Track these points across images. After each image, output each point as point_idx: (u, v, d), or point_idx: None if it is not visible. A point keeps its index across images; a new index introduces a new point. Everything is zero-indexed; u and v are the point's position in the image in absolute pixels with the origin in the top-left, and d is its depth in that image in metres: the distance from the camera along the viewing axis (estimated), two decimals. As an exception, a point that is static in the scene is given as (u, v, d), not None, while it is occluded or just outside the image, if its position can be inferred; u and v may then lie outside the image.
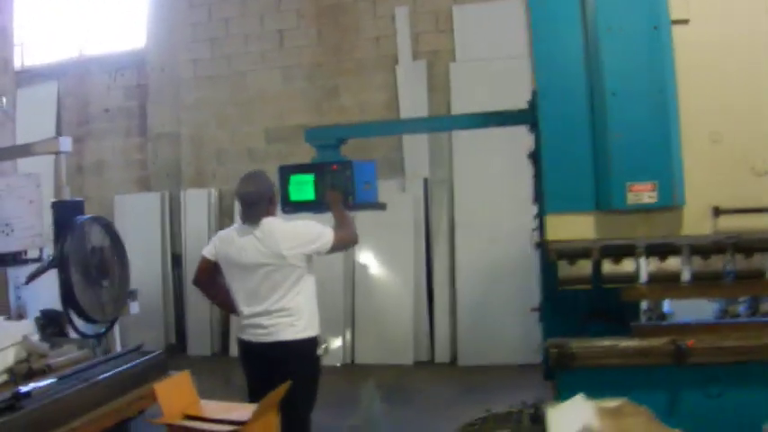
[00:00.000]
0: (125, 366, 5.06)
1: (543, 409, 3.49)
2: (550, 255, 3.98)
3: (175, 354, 9.77)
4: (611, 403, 3.10)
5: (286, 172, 5.17)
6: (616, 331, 4.57)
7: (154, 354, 5.44)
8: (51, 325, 6.00)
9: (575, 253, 3.94)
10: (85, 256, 5.89)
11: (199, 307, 9.84)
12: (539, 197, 4.93)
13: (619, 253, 3.93)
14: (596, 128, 3.86)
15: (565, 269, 3.99)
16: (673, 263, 3.92)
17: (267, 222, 4.70)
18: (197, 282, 5.03)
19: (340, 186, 5.02)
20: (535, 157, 5.00)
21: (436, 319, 9.06)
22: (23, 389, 4.22)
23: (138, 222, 10.02)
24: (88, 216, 6.22)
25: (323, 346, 4.78)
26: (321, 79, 9.99)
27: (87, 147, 10.70)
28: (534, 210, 5.40)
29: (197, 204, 10.17)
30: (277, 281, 4.63)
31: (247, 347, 4.79)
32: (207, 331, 9.94)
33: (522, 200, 8.66)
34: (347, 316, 9.07)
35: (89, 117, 11.04)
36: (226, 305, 5.03)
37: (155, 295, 9.88)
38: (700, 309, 5.46)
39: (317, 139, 5.31)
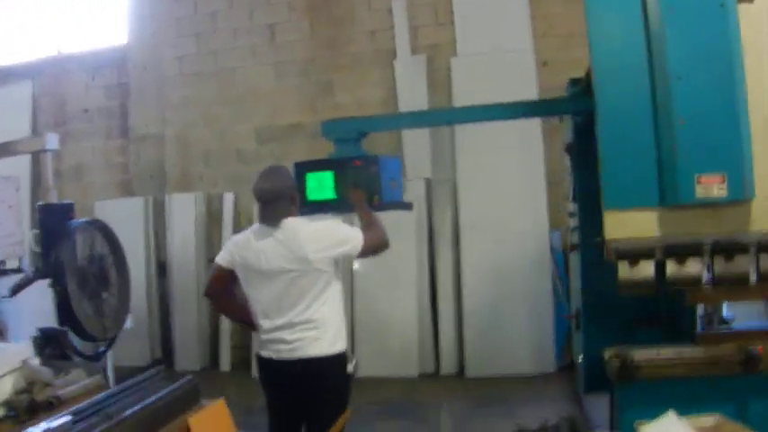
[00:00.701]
0: (153, 398, 3.95)
1: (578, 423, 3.26)
2: (609, 255, 3.72)
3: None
4: (707, 420, 2.83)
5: (302, 169, 4.87)
6: (666, 339, 4.37)
7: (184, 380, 4.39)
8: (50, 345, 5.40)
9: (637, 253, 3.69)
10: (82, 264, 5.48)
11: (186, 318, 9.56)
12: (580, 194, 4.70)
13: (684, 252, 3.67)
14: (659, 115, 3.64)
15: (625, 271, 3.72)
16: (740, 262, 3.67)
17: (289, 223, 4.29)
18: (210, 293, 4.61)
19: (364, 184, 4.74)
20: (572, 149, 4.78)
21: (441, 328, 8.78)
22: (34, 431, 3.37)
23: (120, 229, 9.32)
24: (84, 220, 5.87)
25: (353, 362, 4.41)
26: (315, 75, 9.72)
27: (65, 149, 10.17)
28: (570, 208, 5.19)
29: (183, 209, 9.84)
30: (302, 289, 4.21)
31: (268, 365, 4.37)
32: (195, 344, 9.59)
33: (530, 199, 8.54)
34: (347, 326, 8.71)
35: (66, 118, 10.68)
36: (243, 319, 4.62)
37: (139, 306, 9.44)
38: (747, 312, 5.27)
39: (336, 132, 5.02)
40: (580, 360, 4.88)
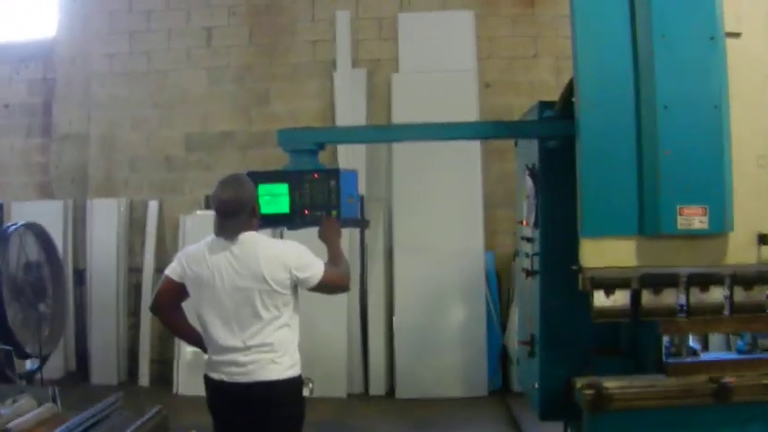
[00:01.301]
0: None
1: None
2: (585, 284, 3.73)
3: (76, 383, 9.10)
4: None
5: (254, 180, 4.56)
6: (625, 369, 4.41)
7: (153, 412, 4.22)
8: None
9: (614, 282, 3.71)
10: (17, 272, 5.16)
11: (104, 329, 9.27)
12: (544, 220, 4.71)
13: (661, 282, 3.71)
14: (643, 144, 3.67)
15: (601, 300, 3.74)
16: (715, 294, 3.75)
17: (247, 237, 4.09)
18: (156, 308, 4.34)
19: (322, 198, 4.61)
20: (537, 173, 4.79)
21: (371, 348, 8.74)
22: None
23: (37, 232, 9.32)
24: (19, 223, 5.53)
25: (309, 386, 4.25)
26: (251, 83, 9.59)
27: (-20, 146, 9.92)
28: (526, 232, 5.20)
29: (105, 215, 9.54)
30: (257, 309, 4.02)
31: (218, 388, 4.13)
32: (113, 357, 9.29)
33: (467, 220, 8.58)
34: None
35: (-15, 112, 10.26)
36: (191, 337, 4.41)
37: (54, 315, 9.19)
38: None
39: (293, 142, 4.85)
40: (534, 386, 4.87)
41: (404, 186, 8.74)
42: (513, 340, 8.10)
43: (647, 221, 3.66)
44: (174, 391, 8.71)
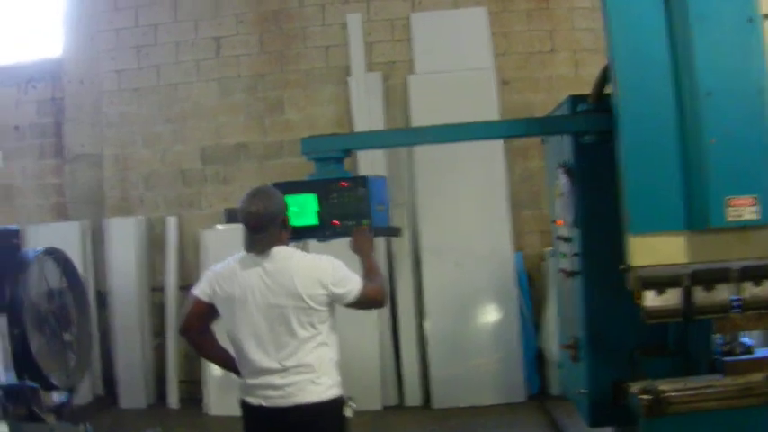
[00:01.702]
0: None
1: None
2: (634, 284, 3.61)
3: (104, 407, 9.04)
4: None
5: (280, 191, 4.52)
6: (675, 369, 4.30)
7: None
8: (16, 403, 4.88)
9: (663, 281, 3.59)
10: (39, 301, 5.03)
11: (130, 351, 9.16)
12: (584, 218, 4.60)
13: (712, 278, 3.59)
14: (687, 134, 3.55)
15: (650, 299, 3.61)
16: (769, 287, 3.62)
17: (279, 252, 3.98)
18: (185, 330, 4.21)
19: (351, 208, 4.52)
20: (573, 170, 4.68)
21: (404, 358, 8.62)
22: None
23: (54, 256, 9.24)
24: (39, 249, 5.39)
25: (351, 405, 4.07)
26: (263, 92, 9.48)
27: (-7, 169, 9.84)
28: (563, 232, 5.08)
29: (123, 234, 9.42)
30: (292, 327, 3.89)
31: (256, 414, 4.02)
32: (140, 379, 9.19)
33: (493, 221, 8.45)
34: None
35: (-6, 135, 10.20)
36: (222, 360, 4.29)
37: (77, 339, 9.11)
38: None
39: (317, 150, 4.76)
40: (582, 392, 4.75)
41: (427, 190, 8.61)
42: (549, 342, 8.03)
43: (695, 215, 3.55)
44: (205, 411, 8.61)
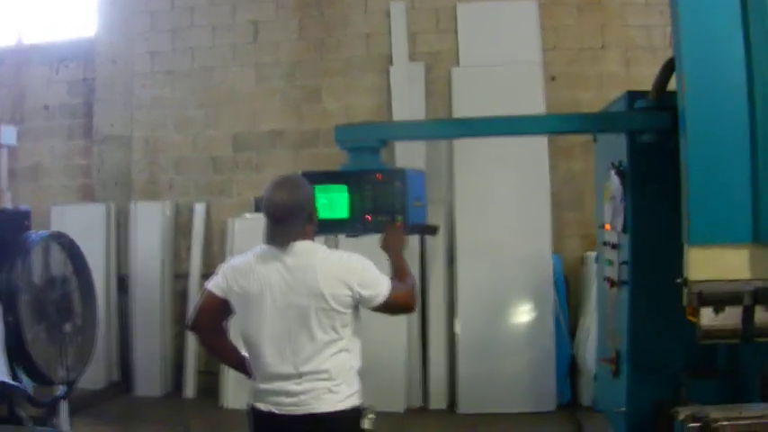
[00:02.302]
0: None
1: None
2: (691, 299, 3.31)
3: (119, 394, 8.89)
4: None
5: (310, 181, 3.99)
6: (724, 393, 4.02)
7: None
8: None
9: (723, 297, 3.28)
10: (40, 288, 4.77)
11: (149, 338, 9.02)
12: (635, 224, 4.32)
13: (778, 297, 3.29)
14: (759, 137, 3.24)
15: (709, 317, 3.31)
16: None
17: (303, 247, 3.66)
18: (196, 326, 3.92)
19: (386, 203, 4.24)
20: (626, 171, 4.40)
21: (431, 359, 8.37)
22: None
23: (78, 238, 8.85)
24: (44, 233, 5.13)
25: (370, 417, 3.72)
26: (301, 79, 9.27)
27: (21, 148, 9.58)
28: (611, 237, 4.80)
29: (149, 219, 9.27)
30: (312, 330, 3.58)
31: (266, 421, 3.72)
32: (157, 367, 9.04)
33: (533, 222, 8.18)
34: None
35: (25, 114, 10.07)
36: (234, 361, 4.01)
37: (96, 323, 8.96)
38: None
39: (352, 139, 4.49)
40: (620, 410, 4.48)
41: (466, 187, 8.35)
42: (583, 350, 7.75)
43: (763, 227, 3.24)
44: (221, 404, 8.43)
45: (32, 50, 10.20)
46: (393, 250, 4.09)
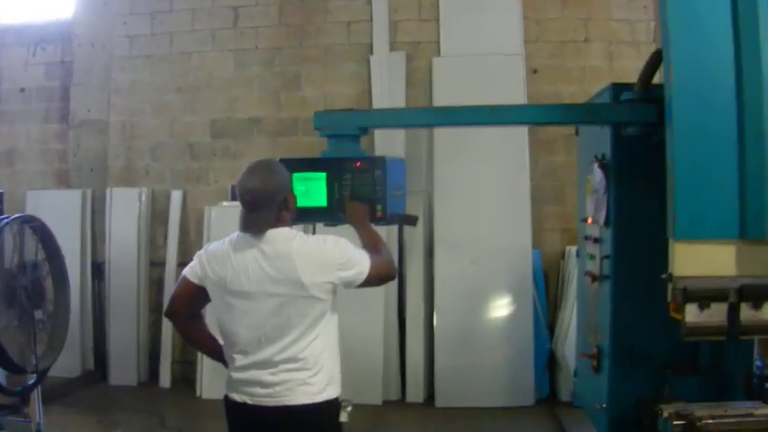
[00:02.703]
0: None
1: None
2: (675, 296, 3.25)
3: (94, 383, 8.78)
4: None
5: (288, 169, 3.86)
6: (706, 390, 3.98)
7: None
8: None
9: (709, 294, 3.22)
10: (11, 273, 4.66)
11: (124, 327, 8.91)
12: (619, 218, 4.25)
13: (762, 295, 3.23)
14: (747, 132, 3.18)
15: (693, 314, 3.25)
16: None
17: (279, 234, 3.56)
18: (172, 313, 3.81)
19: (365, 191, 4.16)
20: (610, 164, 4.33)
21: (409, 352, 8.28)
22: None
23: (53, 223, 8.67)
24: (14, 216, 5.00)
25: (347, 409, 3.64)
26: (280, 66, 9.14)
27: (-4, 131, 9.55)
28: (593, 231, 4.74)
29: (125, 205, 9.16)
30: (290, 318, 3.49)
31: (239, 411, 3.64)
32: (133, 356, 8.92)
33: (513, 216, 8.11)
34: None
35: (0, 97, 9.92)
36: (211, 349, 3.91)
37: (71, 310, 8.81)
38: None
39: (332, 125, 4.40)
40: (601, 407, 4.42)
41: (446, 178, 8.28)
42: (562, 345, 7.72)
43: (750, 223, 3.18)
44: (198, 394, 8.34)
45: (9, 32, 9.99)
46: (358, 221, 4.05)
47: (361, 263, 3.62)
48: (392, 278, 3.93)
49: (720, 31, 3.25)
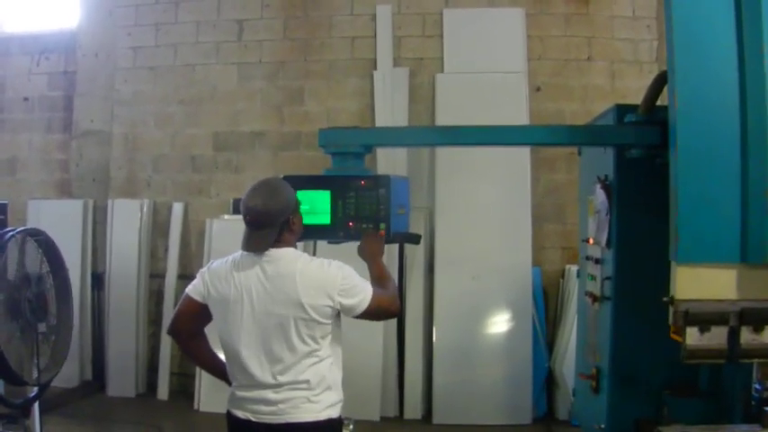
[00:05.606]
0: None
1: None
2: (676, 318, 3.26)
3: (92, 393, 8.78)
4: None
5: (292, 186, 3.89)
6: (705, 412, 4.00)
7: None
8: None
9: (710, 318, 3.24)
10: (14, 286, 4.66)
11: (123, 338, 8.89)
12: (620, 239, 4.27)
13: (762, 319, 3.24)
14: (751, 156, 3.20)
15: (694, 337, 3.27)
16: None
17: (282, 254, 3.59)
18: (175, 331, 3.84)
19: (369, 210, 4.17)
20: (612, 185, 4.36)
21: (408, 369, 8.27)
22: None
23: (54, 233, 8.68)
24: (19, 229, 5.02)
25: (350, 427, 3.72)
26: (284, 80, 9.16)
27: (-1, 140, 9.57)
28: (594, 252, 4.75)
29: (126, 217, 9.15)
30: (290, 340, 3.51)
31: (242, 428, 3.65)
32: (131, 367, 8.89)
33: (514, 234, 8.13)
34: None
35: (3, 105, 9.93)
36: (214, 367, 3.93)
37: (69, 321, 8.82)
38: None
39: (337, 143, 4.42)
40: (600, 427, 4.43)
41: (447, 195, 8.30)
42: (561, 363, 7.72)
43: (752, 247, 3.20)
44: (196, 406, 8.32)
45: (13, 40, 10.03)
46: (370, 257, 4.03)
47: (363, 293, 3.62)
48: (394, 315, 3.94)
49: (725, 56, 3.26)
